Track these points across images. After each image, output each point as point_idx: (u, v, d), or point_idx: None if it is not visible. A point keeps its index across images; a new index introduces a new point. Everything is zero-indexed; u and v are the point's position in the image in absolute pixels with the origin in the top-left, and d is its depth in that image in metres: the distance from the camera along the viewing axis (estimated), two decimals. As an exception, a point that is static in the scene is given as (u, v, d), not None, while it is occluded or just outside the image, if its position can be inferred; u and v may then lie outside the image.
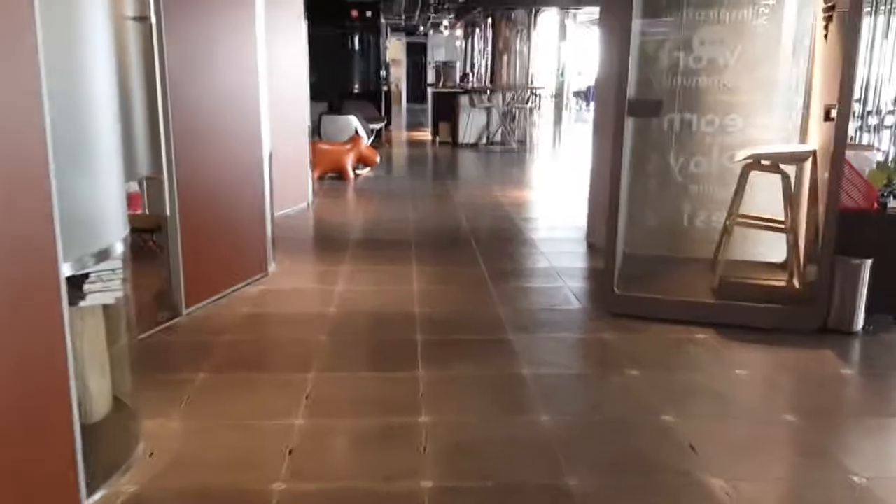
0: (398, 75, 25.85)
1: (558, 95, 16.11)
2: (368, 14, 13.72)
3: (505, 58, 16.56)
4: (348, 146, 9.59)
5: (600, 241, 5.96)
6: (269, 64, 6.76)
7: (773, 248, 5.07)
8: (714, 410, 3.17)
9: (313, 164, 8.77)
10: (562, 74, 15.65)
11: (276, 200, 6.85)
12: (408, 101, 26.99)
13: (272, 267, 5.21)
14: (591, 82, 22.89)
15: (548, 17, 16.65)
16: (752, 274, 4.79)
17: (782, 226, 4.56)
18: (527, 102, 14.38)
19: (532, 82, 15.84)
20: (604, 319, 4.23)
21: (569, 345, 3.96)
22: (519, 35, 16.38)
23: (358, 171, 9.83)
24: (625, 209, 4.70)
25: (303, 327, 4.08)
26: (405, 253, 5.76)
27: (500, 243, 6.21)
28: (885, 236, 4.11)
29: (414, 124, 19.49)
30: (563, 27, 16.52)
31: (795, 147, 4.37)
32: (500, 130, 14.02)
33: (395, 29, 23.26)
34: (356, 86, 14.93)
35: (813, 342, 3.94)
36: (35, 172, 2.07)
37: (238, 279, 4.73)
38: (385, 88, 16.25)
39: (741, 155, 4.48)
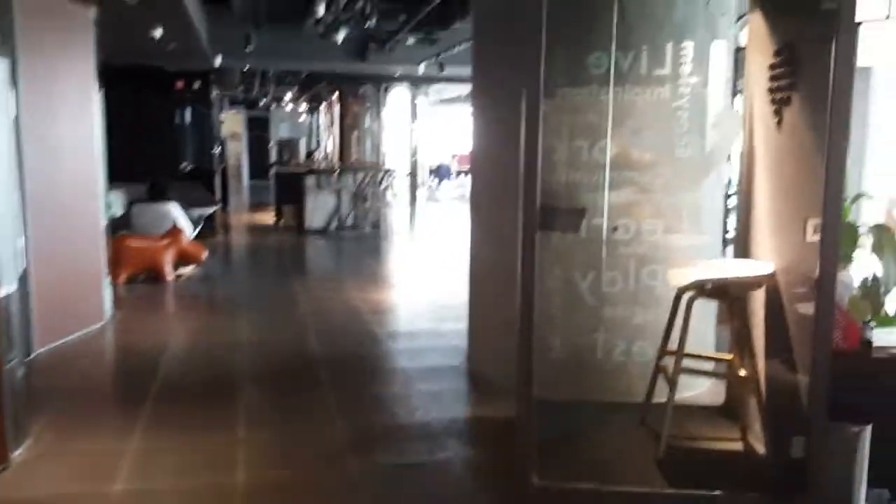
0: (238, 150, 24.07)
1: (412, 174, 15.13)
2: (197, 85, 12.10)
3: (354, 135, 15.43)
4: (166, 241, 7.85)
5: (486, 369, 4.69)
6: (46, 146, 5.11)
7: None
8: None
9: (117, 266, 7.02)
10: (415, 153, 14.70)
11: (55, 325, 5.12)
12: (251, 177, 25.13)
13: (20, 451, 3.47)
14: (443, 160, 22.31)
15: (399, 94, 15.81)
16: (693, 430, 3.66)
17: (739, 371, 3.49)
18: (380, 183, 13.19)
19: (384, 161, 14.78)
20: (521, 529, 2.88)
21: None
22: (368, 111, 15.36)
23: (179, 271, 8.09)
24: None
25: None
26: (231, 406, 4.18)
27: (362, 379, 4.77)
28: (873, 385, 3.10)
29: (257, 204, 17.71)
30: (414, 104, 15.70)
31: (752, 268, 3.33)
32: (351, 214, 12.71)
33: (234, 102, 21.63)
34: (186, 164, 13.14)
35: (811, 548, 2.80)
36: None
37: (-54, 492, 2.98)
38: (221, 166, 14.57)
39: (680, 278, 3.38)
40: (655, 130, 3.93)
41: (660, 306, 4.04)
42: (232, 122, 23.96)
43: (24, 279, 3.51)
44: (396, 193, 15.73)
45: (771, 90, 3.35)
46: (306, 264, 10.05)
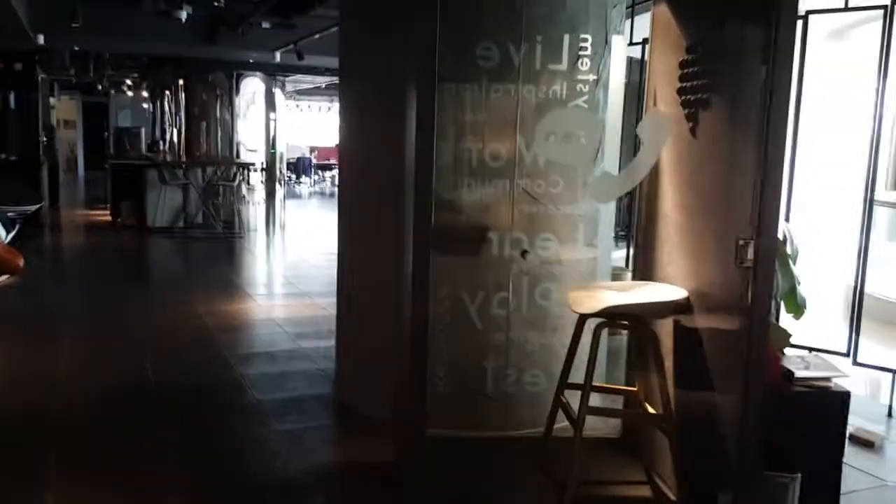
0: (72, 139, 21.90)
1: (270, 169, 14.17)
2: (18, 67, 10.62)
3: (203, 125, 14.21)
4: (-28, 249, 6.66)
5: (358, 398, 4.08)
6: None
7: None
8: None
9: None
10: (273, 146, 13.77)
11: None
12: (87, 168, 22.91)
13: None
14: (302, 153, 21.35)
15: (253, 84, 14.76)
16: (595, 471, 3.24)
17: (648, 408, 3.11)
18: (233, 179, 12.16)
19: (238, 154, 13.73)
20: None
21: None
22: (219, 101, 14.20)
23: (-10, 283, 6.89)
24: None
25: None
26: (42, 463, 3.34)
27: (208, 418, 4.03)
28: (797, 422, 2.80)
29: (93, 199, 15.99)
30: (270, 95, 14.73)
31: (663, 293, 2.95)
32: (200, 212, 11.62)
33: (67, 86, 19.59)
34: (6, 155, 11.55)
35: None
36: None
37: None
38: (49, 157, 13.00)
39: (587, 303, 2.94)
40: (548, 134, 3.48)
41: (552, 330, 3.62)
42: (65, 109, 21.75)
43: None
44: (252, 188, 14.70)
45: (682, 91, 2.98)
46: (147, 270, 8.99)
